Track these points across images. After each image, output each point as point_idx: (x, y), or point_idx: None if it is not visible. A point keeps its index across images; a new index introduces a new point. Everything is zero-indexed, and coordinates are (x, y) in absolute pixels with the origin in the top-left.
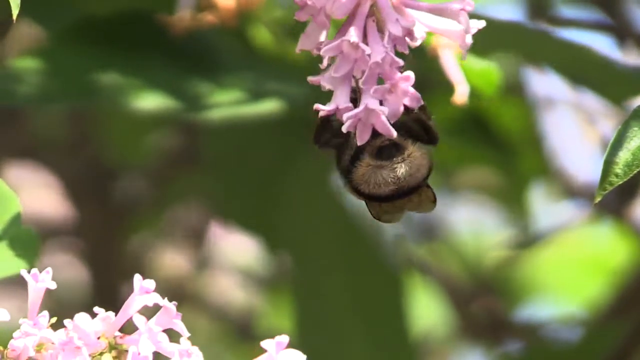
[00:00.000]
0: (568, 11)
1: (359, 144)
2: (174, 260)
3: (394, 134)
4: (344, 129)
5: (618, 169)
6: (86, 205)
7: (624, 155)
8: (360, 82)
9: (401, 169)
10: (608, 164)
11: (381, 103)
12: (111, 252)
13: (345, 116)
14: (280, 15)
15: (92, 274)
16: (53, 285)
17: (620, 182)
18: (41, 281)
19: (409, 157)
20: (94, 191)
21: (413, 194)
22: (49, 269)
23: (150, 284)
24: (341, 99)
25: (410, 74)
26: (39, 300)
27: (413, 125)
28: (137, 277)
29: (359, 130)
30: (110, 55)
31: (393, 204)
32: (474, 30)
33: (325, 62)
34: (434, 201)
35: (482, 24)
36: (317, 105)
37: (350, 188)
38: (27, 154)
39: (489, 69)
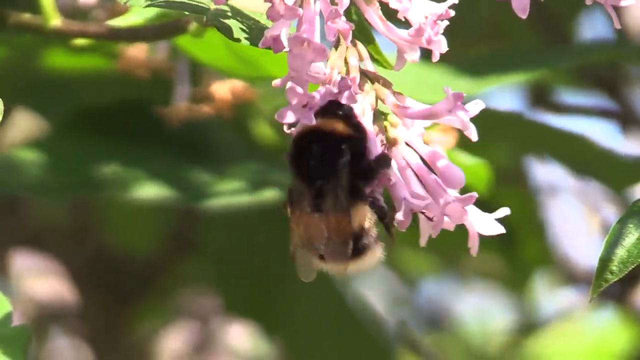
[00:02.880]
0: (570, 97)
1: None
2: (176, 345)
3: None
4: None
5: (613, 266)
6: (90, 291)
7: (619, 253)
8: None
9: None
10: (603, 262)
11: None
12: (115, 337)
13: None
14: (279, 104)
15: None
16: None
17: (615, 279)
18: None
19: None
20: (98, 277)
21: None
22: None
23: None
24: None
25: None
26: None
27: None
28: None
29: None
30: (110, 146)
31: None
32: (473, 113)
33: None
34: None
35: (480, 106)
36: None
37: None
38: (31, 241)
39: (480, 166)
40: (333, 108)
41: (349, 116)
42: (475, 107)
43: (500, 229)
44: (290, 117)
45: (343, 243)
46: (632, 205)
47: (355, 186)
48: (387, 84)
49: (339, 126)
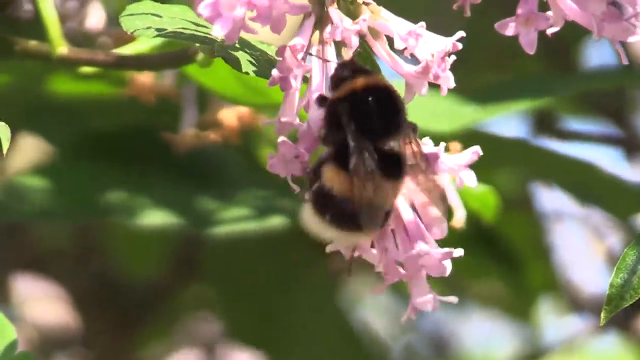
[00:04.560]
0: (575, 124)
1: None
2: None
3: None
4: None
5: (624, 292)
6: (93, 316)
7: (629, 279)
8: None
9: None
10: (615, 288)
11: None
12: None
13: None
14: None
15: None
16: None
17: (626, 305)
18: None
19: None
20: (101, 302)
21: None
22: None
23: None
24: None
25: None
26: None
27: None
28: None
29: None
30: (115, 171)
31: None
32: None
33: None
34: None
35: (476, 154)
36: None
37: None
38: (33, 266)
39: (488, 193)
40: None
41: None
42: (469, 156)
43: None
44: (280, 170)
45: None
46: None
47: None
48: None
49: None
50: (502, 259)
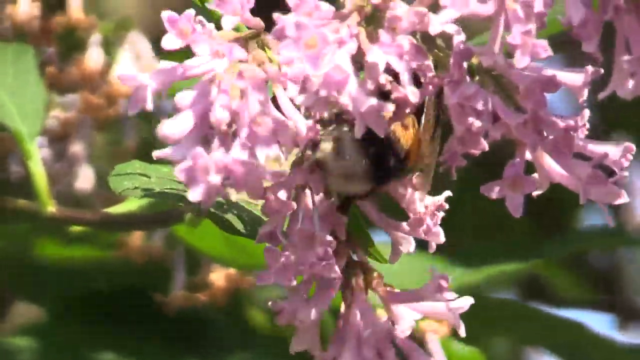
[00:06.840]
0: (565, 290)
1: None
2: None
3: None
4: None
5: None
6: None
7: None
8: None
9: None
10: None
11: None
12: None
13: None
14: (276, 295)
15: None
16: None
17: None
18: None
19: None
20: None
21: None
22: None
23: None
24: None
25: None
26: None
27: None
28: None
29: None
30: (104, 332)
31: None
32: (460, 310)
33: None
34: None
35: (469, 301)
36: None
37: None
38: None
39: (475, 354)
40: None
41: None
42: (465, 302)
43: None
44: (270, 279)
45: None
46: None
47: None
48: (378, 275)
49: None
50: None
